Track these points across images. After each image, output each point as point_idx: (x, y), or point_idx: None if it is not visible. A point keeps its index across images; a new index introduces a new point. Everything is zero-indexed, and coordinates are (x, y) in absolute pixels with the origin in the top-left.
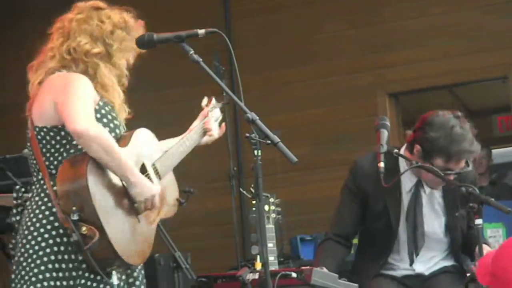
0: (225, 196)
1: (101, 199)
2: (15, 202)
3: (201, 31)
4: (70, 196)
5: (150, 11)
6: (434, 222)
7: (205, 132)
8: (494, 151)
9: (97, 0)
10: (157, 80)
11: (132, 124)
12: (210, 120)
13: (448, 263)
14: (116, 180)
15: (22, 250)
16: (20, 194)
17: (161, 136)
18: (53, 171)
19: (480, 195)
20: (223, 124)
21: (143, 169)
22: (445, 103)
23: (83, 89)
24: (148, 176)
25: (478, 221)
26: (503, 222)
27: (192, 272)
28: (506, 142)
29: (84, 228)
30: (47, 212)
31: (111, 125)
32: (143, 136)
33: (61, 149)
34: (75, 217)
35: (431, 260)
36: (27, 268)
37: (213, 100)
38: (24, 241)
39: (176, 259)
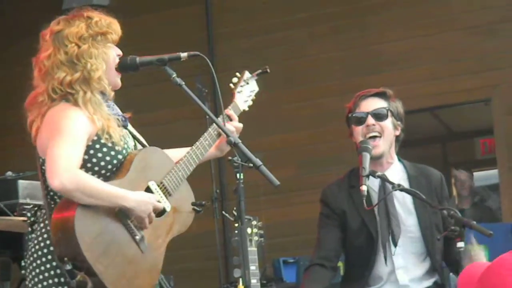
0: (208, 218)
1: (93, 243)
2: (28, 221)
3: (184, 54)
4: (61, 247)
5: (132, 35)
6: (408, 218)
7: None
8: (476, 174)
9: (54, 21)
10: (139, 103)
11: None
12: (240, 100)
13: (429, 282)
14: (111, 216)
15: (30, 276)
16: (32, 212)
17: None
18: (58, 200)
19: (462, 218)
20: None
21: (148, 192)
22: (428, 125)
23: (72, 129)
24: None
25: (460, 244)
26: (485, 245)
27: None
28: (489, 165)
29: (79, 276)
30: (48, 241)
31: (112, 152)
32: (148, 156)
33: None
34: (68, 267)
35: (411, 269)
36: None
37: (246, 74)
38: (31, 267)
39: (159, 282)
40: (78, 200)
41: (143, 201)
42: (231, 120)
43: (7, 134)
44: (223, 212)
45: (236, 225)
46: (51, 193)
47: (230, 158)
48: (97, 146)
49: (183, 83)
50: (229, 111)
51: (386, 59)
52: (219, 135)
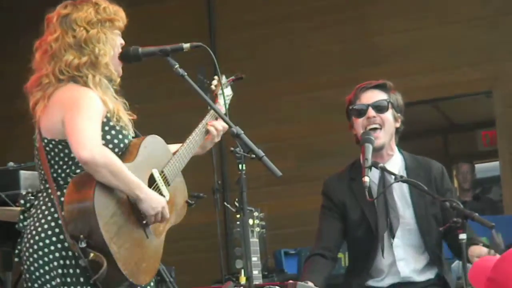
0: (210, 209)
1: (109, 222)
2: (22, 208)
3: (186, 45)
4: (77, 223)
5: (135, 26)
6: (405, 210)
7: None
8: (478, 165)
9: (60, 5)
10: (142, 94)
11: None
12: (222, 102)
13: (431, 274)
14: (123, 198)
15: (31, 259)
16: (27, 198)
17: None
18: (61, 182)
19: (464, 210)
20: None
21: (151, 179)
22: (430, 117)
23: (91, 106)
24: (156, 186)
25: (462, 236)
26: (487, 237)
27: (176, 285)
28: (490, 156)
29: (92, 255)
30: (53, 223)
31: (120, 136)
32: (151, 144)
33: (70, 162)
34: (82, 244)
35: (412, 261)
36: (36, 280)
37: (223, 79)
38: (31, 250)
39: (160, 273)
40: (101, 176)
41: (155, 199)
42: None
43: (9, 124)
44: (225, 203)
45: (238, 216)
46: (54, 175)
47: (232, 149)
48: (106, 128)
49: (186, 73)
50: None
51: (386, 51)
52: (207, 132)
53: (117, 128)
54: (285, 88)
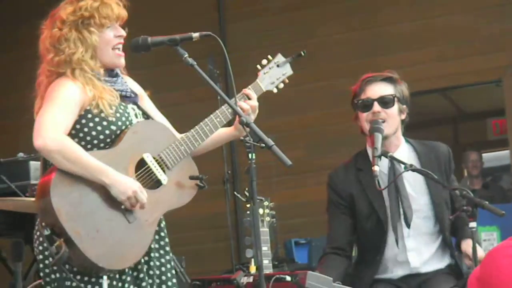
0: (220, 199)
1: (70, 211)
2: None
3: (196, 35)
4: (41, 213)
5: (144, 15)
6: (420, 198)
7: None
8: (488, 154)
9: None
10: (150, 84)
11: None
12: (264, 80)
13: (443, 263)
14: (93, 185)
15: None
16: None
17: None
18: None
19: (474, 198)
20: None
21: (142, 164)
22: (439, 106)
23: (61, 95)
24: (147, 169)
25: (473, 224)
26: (497, 225)
27: (187, 275)
28: (500, 145)
29: (57, 242)
30: None
31: (104, 123)
32: (144, 129)
33: None
34: (46, 232)
35: (423, 251)
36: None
37: (278, 57)
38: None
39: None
40: (57, 163)
41: (123, 183)
42: (249, 98)
43: (20, 115)
44: (235, 193)
45: (248, 205)
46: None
47: (242, 138)
48: (89, 116)
49: (195, 63)
50: (247, 90)
51: (397, 40)
52: (235, 113)
53: (101, 115)
54: (294, 77)
